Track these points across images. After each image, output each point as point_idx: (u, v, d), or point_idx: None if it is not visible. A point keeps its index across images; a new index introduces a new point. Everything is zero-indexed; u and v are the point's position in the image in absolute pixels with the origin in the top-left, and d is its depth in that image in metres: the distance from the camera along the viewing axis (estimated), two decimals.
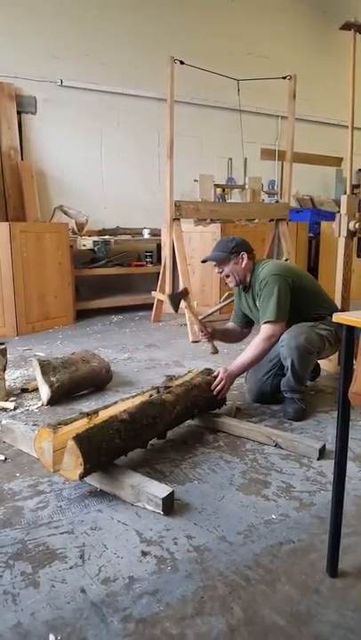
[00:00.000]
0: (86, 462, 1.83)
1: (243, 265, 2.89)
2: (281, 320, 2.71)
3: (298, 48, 7.72)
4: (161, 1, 6.58)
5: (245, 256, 2.88)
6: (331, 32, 7.67)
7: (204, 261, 3.07)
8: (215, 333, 3.08)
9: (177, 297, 3.06)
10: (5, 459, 2.29)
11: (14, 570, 1.56)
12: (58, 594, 1.46)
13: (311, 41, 7.94)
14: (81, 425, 2.04)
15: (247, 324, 3.22)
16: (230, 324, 3.27)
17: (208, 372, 2.74)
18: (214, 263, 2.96)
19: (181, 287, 3.08)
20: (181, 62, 4.53)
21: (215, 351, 3.02)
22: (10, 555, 1.63)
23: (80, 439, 1.85)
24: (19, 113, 5.81)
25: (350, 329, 1.45)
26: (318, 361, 3.16)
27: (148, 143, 6.61)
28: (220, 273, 2.97)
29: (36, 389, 3.11)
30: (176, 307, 3.03)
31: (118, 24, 6.32)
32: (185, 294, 3.08)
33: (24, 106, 5.87)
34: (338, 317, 1.44)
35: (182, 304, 3.06)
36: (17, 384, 3.30)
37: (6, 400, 2.98)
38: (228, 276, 2.95)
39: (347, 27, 3.10)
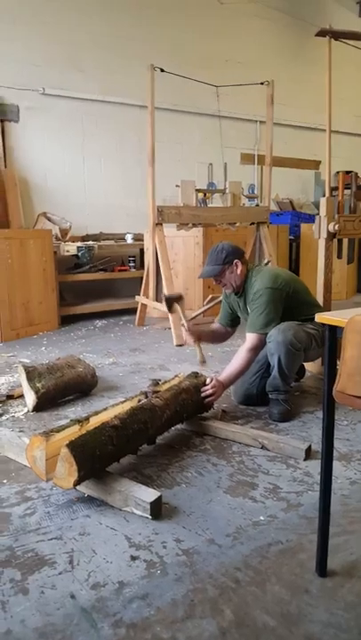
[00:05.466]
0: (80, 469, 1.82)
1: (238, 272, 2.90)
2: (267, 333, 2.73)
3: (274, 54, 7.80)
4: (141, 10, 6.60)
5: (239, 263, 2.89)
6: (305, 38, 7.83)
7: (200, 277, 3.11)
8: (202, 336, 3.09)
9: (172, 299, 3.10)
10: None
11: (3, 577, 1.55)
12: (47, 600, 1.45)
13: (287, 47, 8.04)
14: (73, 432, 2.03)
15: (232, 325, 3.24)
16: (216, 325, 3.28)
17: (195, 375, 2.75)
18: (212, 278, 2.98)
19: (177, 292, 3.15)
20: (161, 70, 4.56)
21: (203, 361, 2.99)
22: None
23: (74, 446, 1.84)
24: (1, 121, 5.80)
25: (333, 329, 1.47)
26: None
27: (130, 149, 6.62)
28: (219, 284, 2.99)
29: (21, 396, 3.09)
30: (170, 308, 3.11)
31: (99, 32, 6.33)
32: (180, 299, 3.10)
33: (7, 114, 5.85)
34: (320, 317, 1.46)
35: (177, 307, 3.09)
36: (2, 391, 3.27)
37: None
38: (225, 285, 2.96)
39: (322, 33, 3.16)
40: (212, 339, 3.28)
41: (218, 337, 3.28)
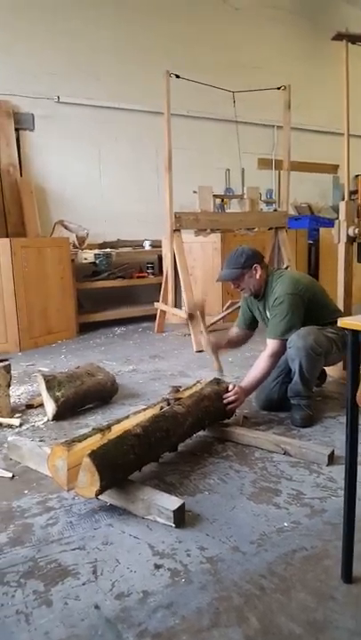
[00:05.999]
0: (102, 479, 1.81)
1: (257, 277, 2.87)
2: (288, 339, 2.71)
3: (290, 58, 7.78)
4: (155, 16, 6.65)
5: (258, 267, 2.86)
6: (321, 41, 7.78)
7: (218, 281, 3.11)
8: (221, 346, 3.10)
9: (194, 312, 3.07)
10: (13, 476, 2.28)
11: (26, 589, 1.54)
12: (71, 611, 1.44)
13: (302, 50, 8.02)
14: (95, 441, 2.03)
15: (252, 327, 3.21)
16: (235, 330, 3.25)
17: (217, 381, 2.73)
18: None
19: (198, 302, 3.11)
20: (177, 76, 4.58)
21: (220, 369, 2.94)
22: (21, 573, 1.61)
23: (96, 456, 1.83)
24: (17, 130, 5.85)
25: (355, 334, 1.45)
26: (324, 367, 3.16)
27: (146, 156, 6.65)
28: (237, 288, 2.97)
29: (41, 405, 3.10)
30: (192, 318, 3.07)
31: (113, 39, 6.39)
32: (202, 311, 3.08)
33: (22, 122, 5.91)
34: (343, 323, 1.44)
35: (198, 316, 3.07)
36: (22, 400, 3.29)
37: (12, 417, 2.97)
38: (243, 289, 2.95)
39: (339, 37, 3.14)
40: (234, 345, 3.26)
41: (238, 342, 3.26)
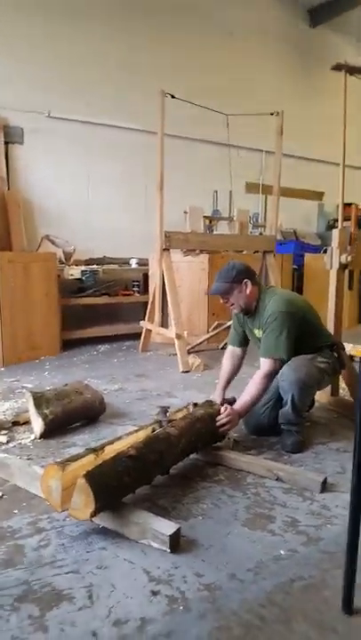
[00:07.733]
0: (97, 501, 1.77)
1: (247, 292, 2.82)
2: (282, 358, 2.68)
3: (280, 85, 7.97)
4: (151, 36, 6.74)
5: (249, 283, 2.81)
6: (309, 70, 8.03)
7: (208, 294, 3.07)
8: (227, 387, 3.06)
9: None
10: (2, 495, 2.21)
11: (21, 613, 1.49)
12: (68, 638, 1.40)
13: (292, 78, 8.25)
14: (89, 461, 1.99)
15: (246, 343, 3.13)
16: (229, 350, 3.16)
17: (210, 403, 2.71)
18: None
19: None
20: (172, 96, 4.62)
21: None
22: (15, 596, 1.56)
23: (91, 477, 1.79)
24: (5, 143, 5.82)
25: None
26: None
27: (135, 174, 6.66)
28: (226, 303, 2.91)
29: (27, 422, 3.03)
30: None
31: (107, 56, 6.44)
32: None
33: (11, 136, 5.88)
34: (357, 351, 1.44)
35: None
36: (7, 417, 3.21)
37: None
38: (232, 304, 2.89)
39: (338, 67, 3.20)
40: (234, 373, 3.15)
41: (237, 365, 3.15)
